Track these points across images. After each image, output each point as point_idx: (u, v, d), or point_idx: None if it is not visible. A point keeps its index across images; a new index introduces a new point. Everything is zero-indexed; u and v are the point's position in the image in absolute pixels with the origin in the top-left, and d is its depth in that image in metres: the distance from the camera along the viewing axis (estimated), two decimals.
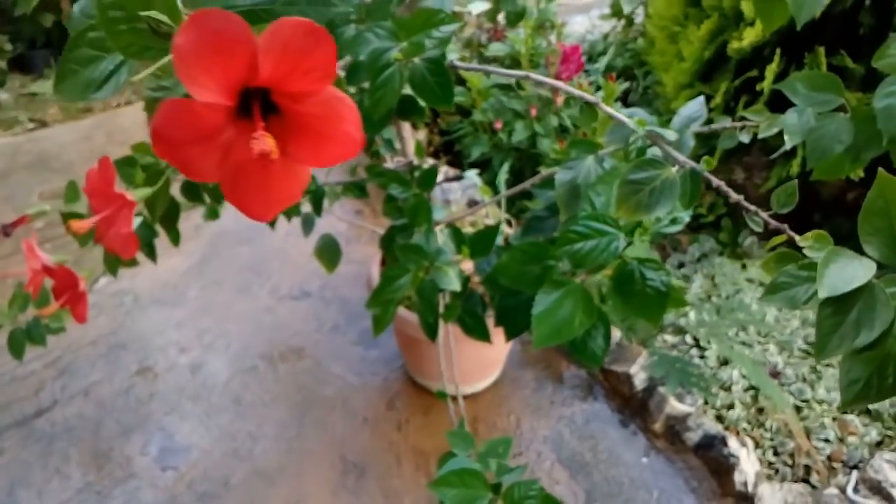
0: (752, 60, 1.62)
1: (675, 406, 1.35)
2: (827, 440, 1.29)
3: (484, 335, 0.91)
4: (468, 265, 1.00)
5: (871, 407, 1.34)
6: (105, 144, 2.76)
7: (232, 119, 0.33)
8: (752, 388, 1.39)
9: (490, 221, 1.39)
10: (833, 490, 1.19)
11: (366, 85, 0.72)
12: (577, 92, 0.61)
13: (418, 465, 1.33)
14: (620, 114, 0.61)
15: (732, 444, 1.26)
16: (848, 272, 0.40)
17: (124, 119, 3.07)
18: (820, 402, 1.36)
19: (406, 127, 1.13)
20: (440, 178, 1.94)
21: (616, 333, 1.52)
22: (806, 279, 0.44)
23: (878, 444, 1.29)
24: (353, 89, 0.82)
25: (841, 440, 1.29)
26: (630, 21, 2.42)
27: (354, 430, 1.41)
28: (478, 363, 1.45)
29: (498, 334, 0.95)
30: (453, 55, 0.64)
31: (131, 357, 1.61)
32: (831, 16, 1.48)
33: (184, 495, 1.27)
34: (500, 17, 1.26)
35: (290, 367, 1.58)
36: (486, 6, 1.06)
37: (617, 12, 2.44)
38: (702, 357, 1.47)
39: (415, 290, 0.84)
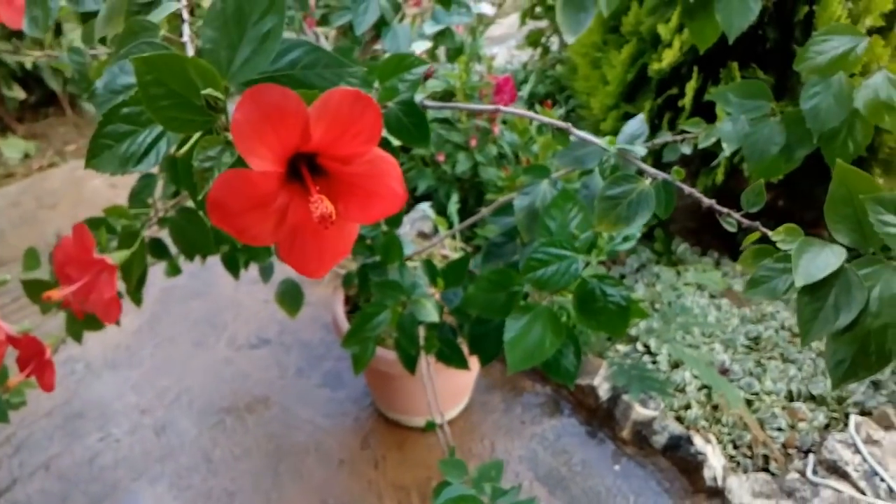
0: (671, 79, 1.73)
1: (640, 412, 1.41)
2: (780, 429, 1.37)
3: (462, 363, 0.95)
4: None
5: (813, 392, 1.44)
6: (35, 209, 2.67)
7: (283, 184, 0.35)
8: (704, 387, 1.46)
9: (447, 252, 1.43)
10: (794, 475, 1.27)
11: None
12: (547, 119, 0.66)
13: (400, 500, 1.34)
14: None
15: (698, 441, 1.33)
16: (821, 260, 0.43)
17: (52, 181, 2.97)
18: (768, 394, 1.45)
19: None
20: None
21: None
22: (783, 271, 0.47)
23: (826, 427, 1.38)
24: None
25: (792, 427, 1.38)
26: (546, 50, 2.53)
27: (331, 473, 1.41)
28: (450, 392, 1.47)
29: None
30: (420, 95, 0.67)
31: (90, 425, 1.56)
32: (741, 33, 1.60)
33: None
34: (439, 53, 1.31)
35: (257, 417, 1.56)
36: (427, 45, 1.11)
37: (533, 42, 2.55)
38: (654, 363, 1.53)
39: (395, 325, 0.87)
